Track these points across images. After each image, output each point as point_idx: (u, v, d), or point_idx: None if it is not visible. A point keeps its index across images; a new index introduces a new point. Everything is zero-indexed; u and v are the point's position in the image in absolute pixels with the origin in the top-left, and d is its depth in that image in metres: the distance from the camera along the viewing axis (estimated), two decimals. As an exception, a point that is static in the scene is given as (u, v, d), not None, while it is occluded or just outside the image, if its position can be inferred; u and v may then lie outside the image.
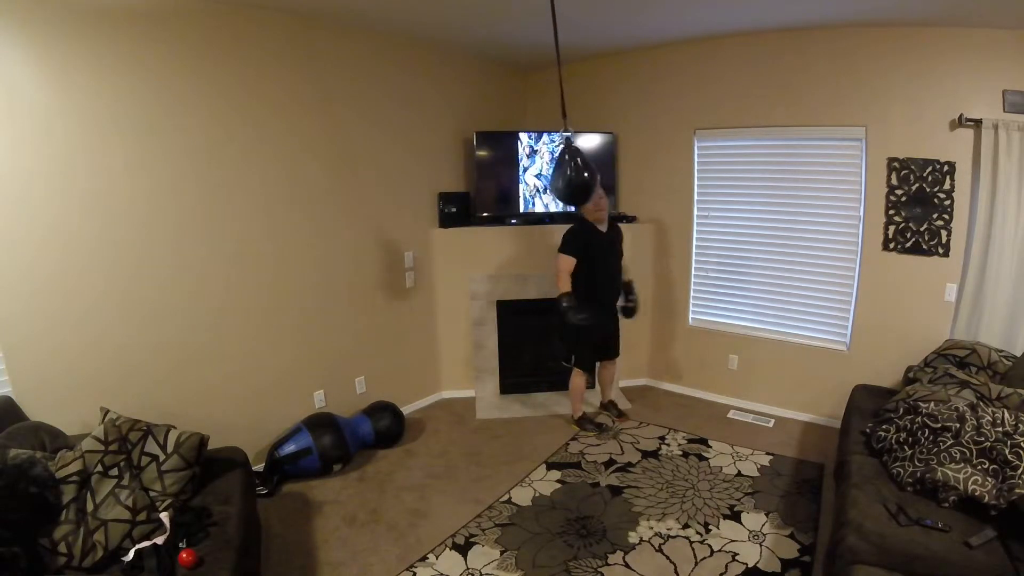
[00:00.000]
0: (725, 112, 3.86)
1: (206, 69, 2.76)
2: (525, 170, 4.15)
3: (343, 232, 3.50)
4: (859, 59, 3.33)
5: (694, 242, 4.17)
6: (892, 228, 3.38)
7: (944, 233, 3.24)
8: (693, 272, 4.22)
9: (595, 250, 3.42)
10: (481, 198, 4.15)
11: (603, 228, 3.47)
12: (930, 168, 3.22)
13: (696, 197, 4.11)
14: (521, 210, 4.20)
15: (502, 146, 4.12)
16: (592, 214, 3.42)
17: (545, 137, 4.14)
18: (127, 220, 2.56)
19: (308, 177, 3.27)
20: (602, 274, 3.49)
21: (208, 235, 2.86)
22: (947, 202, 3.21)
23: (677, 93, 4.03)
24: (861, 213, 3.48)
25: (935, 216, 3.25)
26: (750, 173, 3.90)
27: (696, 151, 4.05)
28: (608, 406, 3.96)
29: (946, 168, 3.17)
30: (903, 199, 3.32)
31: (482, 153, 4.10)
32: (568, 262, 3.37)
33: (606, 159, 4.26)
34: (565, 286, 3.36)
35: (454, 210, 4.08)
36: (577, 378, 3.69)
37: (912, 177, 3.28)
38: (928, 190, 3.24)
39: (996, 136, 2.97)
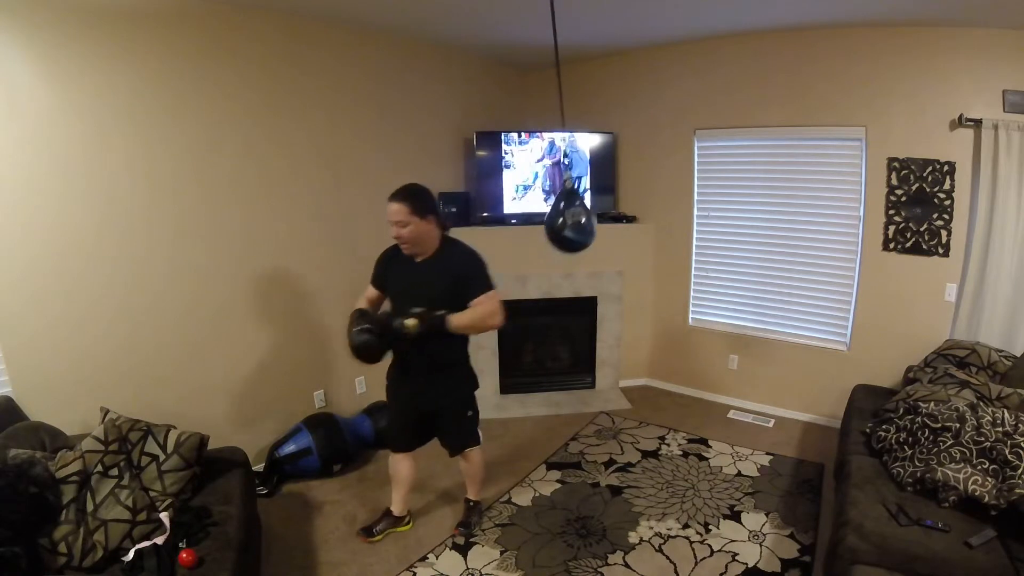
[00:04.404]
0: (725, 112, 3.85)
1: (207, 68, 2.76)
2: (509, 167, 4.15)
3: (344, 232, 3.50)
4: (859, 59, 3.33)
5: (694, 242, 4.17)
6: (892, 228, 3.38)
7: (944, 233, 3.24)
8: (693, 272, 4.22)
9: (394, 285, 2.38)
10: (481, 198, 4.15)
11: (418, 258, 2.33)
12: (930, 168, 3.22)
13: (696, 197, 4.11)
14: (520, 210, 4.20)
15: (502, 146, 4.12)
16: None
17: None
18: (127, 220, 2.56)
19: (309, 177, 3.27)
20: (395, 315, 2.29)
21: (209, 235, 2.86)
22: (947, 202, 3.21)
23: (677, 93, 4.03)
24: (861, 213, 3.48)
25: (935, 216, 3.25)
26: (750, 173, 3.90)
27: (696, 151, 4.05)
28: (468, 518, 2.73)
29: (946, 168, 3.17)
30: (903, 199, 3.32)
31: (482, 153, 4.10)
32: (368, 290, 2.48)
33: (606, 159, 4.26)
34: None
35: (454, 210, 4.08)
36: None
37: (912, 177, 3.27)
38: (928, 190, 3.24)
39: (996, 136, 2.97)
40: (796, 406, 3.90)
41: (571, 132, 4.20)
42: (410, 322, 2.13)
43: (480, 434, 2.62)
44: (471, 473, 2.69)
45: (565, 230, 2.21)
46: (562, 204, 2.24)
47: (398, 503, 2.68)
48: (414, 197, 2.26)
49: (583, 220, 2.21)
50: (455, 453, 2.59)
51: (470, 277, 2.26)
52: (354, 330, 2.16)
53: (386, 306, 2.45)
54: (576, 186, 2.24)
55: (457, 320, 2.19)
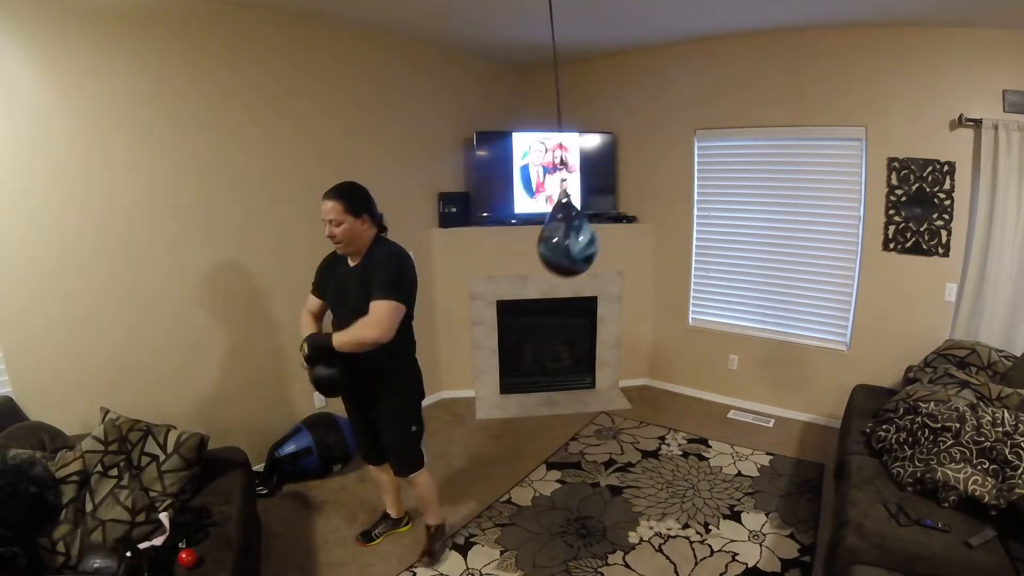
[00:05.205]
0: (725, 112, 3.85)
1: (206, 68, 2.76)
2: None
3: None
4: (859, 59, 3.33)
5: (694, 242, 4.17)
6: (892, 228, 3.38)
7: (944, 233, 3.24)
8: (693, 272, 4.22)
9: (330, 293, 2.26)
10: (481, 198, 4.15)
11: (352, 261, 2.19)
12: (930, 168, 3.22)
13: (696, 197, 4.11)
14: (520, 210, 4.20)
15: (502, 146, 4.12)
16: None
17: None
18: (127, 220, 2.56)
19: (308, 177, 3.26)
20: (335, 327, 2.21)
21: (208, 235, 2.86)
22: (947, 202, 3.21)
23: (677, 93, 4.03)
24: (861, 213, 3.48)
25: (935, 216, 3.25)
26: (750, 173, 3.90)
27: (696, 151, 4.05)
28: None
29: (946, 168, 3.17)
30: (903, 199, 3.32)
31: (482, 153, 4.10)
32: (310, 299, 2.33)
33: (606, 159, 4.26)
34: (308, 327, 2.27)
35: (454, 210, 4.09)
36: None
37: (912, 177, 3.28)
38: (928, 190, 3.24)
39: (996, 136, 2.97)
40: (796, 406, 3.90)
41: (566, 132, 4.20)
42: (303, 347, 2.07)
43: (425, 455, 2.39)
44: (422, 498, 2.46)
45: (539, 244, 2.00)
46: (549, 217, 2.03)
47: (391, 506, 2.67)
48: (348, 195, 2.15)
49: (557, 239, 1.96)
50: (400, 475, 2.39)
51: (374, 279, 2.05)
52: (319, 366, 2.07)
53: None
54: (565, 199, 1.95)
55: (338, 340, 2.02)
